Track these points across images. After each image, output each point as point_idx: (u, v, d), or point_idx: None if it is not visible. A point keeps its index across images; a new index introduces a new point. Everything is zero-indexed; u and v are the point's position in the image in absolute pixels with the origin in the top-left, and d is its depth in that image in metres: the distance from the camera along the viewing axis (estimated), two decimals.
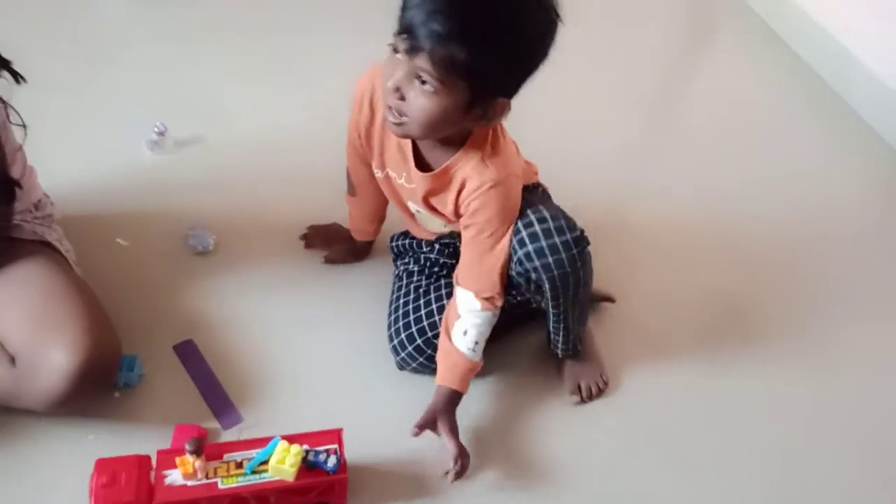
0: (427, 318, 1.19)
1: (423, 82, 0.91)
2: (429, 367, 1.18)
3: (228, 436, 1.09)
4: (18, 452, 1.02)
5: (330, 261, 1.37)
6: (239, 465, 0.97)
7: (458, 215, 1.10)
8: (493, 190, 1.03)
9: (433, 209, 1.12)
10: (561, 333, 1.19)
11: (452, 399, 1.10)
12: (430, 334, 1.18)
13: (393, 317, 1.23)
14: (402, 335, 1.19)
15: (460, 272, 1.12)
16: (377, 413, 1.17)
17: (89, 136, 1.58)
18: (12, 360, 0.97)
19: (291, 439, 0.99)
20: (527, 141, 1.16)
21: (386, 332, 1.23)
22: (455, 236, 1.23)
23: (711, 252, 1.54)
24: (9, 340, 0.98)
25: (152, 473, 0.96)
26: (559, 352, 1.23)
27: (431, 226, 1.20)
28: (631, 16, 2.36)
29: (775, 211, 1.67)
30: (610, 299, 1.37)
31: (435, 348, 1.15)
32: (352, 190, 1.27)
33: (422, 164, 1.07)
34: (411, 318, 1.20)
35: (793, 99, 2.08)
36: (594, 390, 1.24)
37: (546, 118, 1.63)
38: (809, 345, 1.38)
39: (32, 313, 0.99)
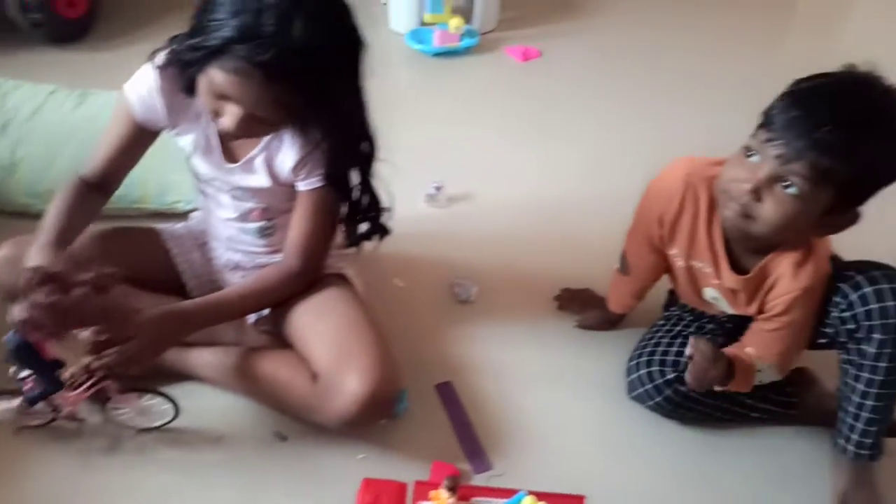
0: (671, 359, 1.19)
1: (787, 187, 0.91)
2: (664, 408, 1.20)
3: (476, 481, 1.15)
4: (303, 455, 1.17)
5: (584, 326, 1.40)
6: None
7: (759, 312, 1.09)
8: (801, 297, 1.02)
9: (734, 303, 1.12)
10: (861, 419, 1.04)
11: None
12: (669, 376, 1.18)
13: (643, 349, 1.24)
14: (643, 371, 1.21)
15: (749, 338, 1.11)
16: (622, 484, 1.16)
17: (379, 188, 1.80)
18: (314, 376, 1.13)
19: (536, 496, 1.02)
20: None
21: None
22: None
23: None
24: (313, 360, 1.13)
25: (408, 501, 1.06)
26: (850, 448, 1.07)
27: (721, 308, 1.19)
28: None
29: None
30: None
31: (672, 392, 1.17)
32: (625, 269, 1.28)
33: (733, 263, 1.08)
34: (657, 356, 1.20)
35: None
36: None
37: None
38: None
39: (335, 339, 1.13)
